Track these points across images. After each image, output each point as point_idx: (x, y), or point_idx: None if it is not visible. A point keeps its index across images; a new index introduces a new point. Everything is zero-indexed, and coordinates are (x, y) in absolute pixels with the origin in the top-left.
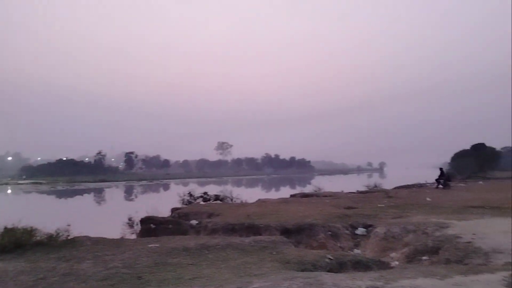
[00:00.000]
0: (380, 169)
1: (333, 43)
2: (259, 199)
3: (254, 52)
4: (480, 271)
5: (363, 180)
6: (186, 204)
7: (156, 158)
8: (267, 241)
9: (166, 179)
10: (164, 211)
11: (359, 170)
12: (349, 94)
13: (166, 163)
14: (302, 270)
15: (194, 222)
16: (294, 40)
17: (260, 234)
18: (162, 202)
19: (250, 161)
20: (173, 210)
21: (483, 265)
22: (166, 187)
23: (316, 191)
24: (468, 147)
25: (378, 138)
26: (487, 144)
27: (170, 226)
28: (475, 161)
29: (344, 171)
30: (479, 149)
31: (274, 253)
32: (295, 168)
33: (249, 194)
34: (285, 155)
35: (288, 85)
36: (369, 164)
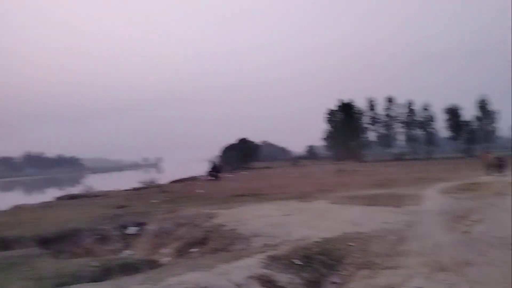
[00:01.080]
0: (157, 164)
1: (114, 36)
2: (15, 206)
3: (18, 42)
4: (241, 257)
5: (139, 176)
6: None
7: None
8: (17, 256)
9: None
10: None
11: (135, 166)
12: (125, 90)
13: None
14: (60, 285)
15: None
16: (71, 32)
17: (11, 248)
18: None
19: (6, 161)
20: None
21: (244, 249)
22: None
23: (87, 191)
24: (234, 141)
25: (155, 133)
26: (250, 139)
27: None
28: (240, 154)
29: (120, 168)
30: (243, 143)
31: (26, 269)
32: (64, 167)
33: (2, 201)
34: (51, 153)
35: (56, 76)
36: (146, 159)
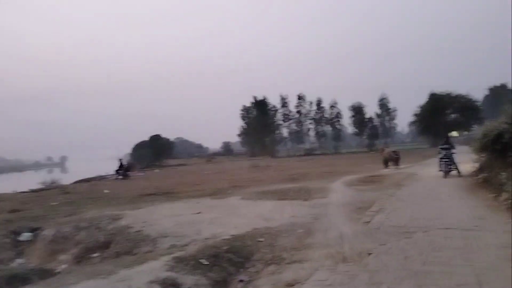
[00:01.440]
0: (62, 164)
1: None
2: None
3: None
4: (145, 260)
5: (41, 177)
6: None
7: None
8: None
9: None
10: None
11: (37, 166)
12: (24, 81)
13: None
14: None
15: None
16: None
17: None
18: None
19: None
20: None
21: (150, 252)
22: None
23: None
24: (147, 138)
25: (59, 131)
26: (163, 135)
27: None
28: (153, 151)
29: (18, 168)
30: (156, 140)
31: None
32: None
33: None
34: None
35: None
36: (49, 158)
